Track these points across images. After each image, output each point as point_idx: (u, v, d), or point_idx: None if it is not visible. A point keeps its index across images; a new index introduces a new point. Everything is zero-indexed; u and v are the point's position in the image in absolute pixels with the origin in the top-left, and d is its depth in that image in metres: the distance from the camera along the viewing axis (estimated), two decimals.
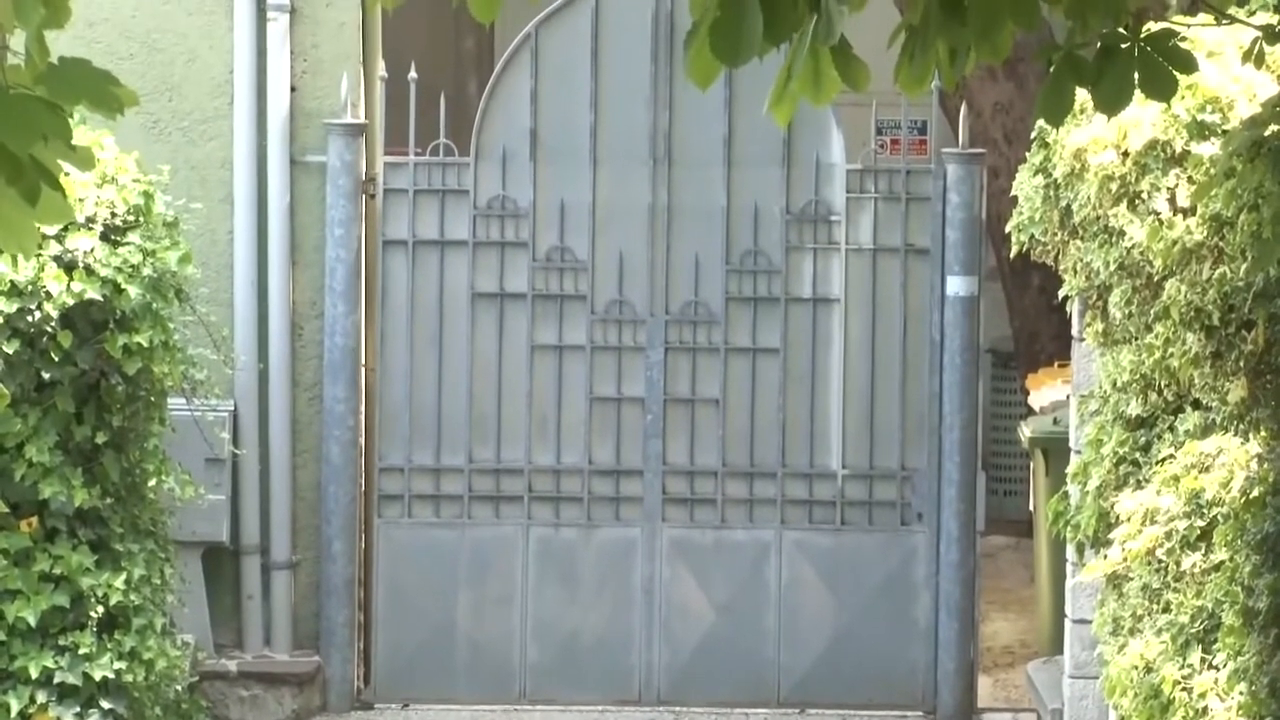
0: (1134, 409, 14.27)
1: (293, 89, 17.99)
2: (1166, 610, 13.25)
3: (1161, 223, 13.15)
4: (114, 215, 15.13)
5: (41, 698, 14.96)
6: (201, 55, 17.60)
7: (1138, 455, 14.22)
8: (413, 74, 18.06)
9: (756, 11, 7.95)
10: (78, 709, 15.19)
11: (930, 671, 18.10)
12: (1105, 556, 14.01)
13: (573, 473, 18.40)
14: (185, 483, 15.90)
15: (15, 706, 14.89)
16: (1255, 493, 12.43)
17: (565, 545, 18.53)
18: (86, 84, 7.40)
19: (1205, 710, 12.40)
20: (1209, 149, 12.85)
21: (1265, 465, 12.62)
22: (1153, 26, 9.22)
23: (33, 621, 14.93)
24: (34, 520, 15.13)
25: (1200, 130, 13.16)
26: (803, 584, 18.43)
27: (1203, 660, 12.68)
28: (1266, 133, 10.83)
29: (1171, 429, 13.90)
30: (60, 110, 7.26)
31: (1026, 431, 17.68)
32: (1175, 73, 9.16)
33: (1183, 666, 12.73)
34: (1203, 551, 12.96)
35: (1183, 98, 12.77)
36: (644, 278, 18.30)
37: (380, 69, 18.28)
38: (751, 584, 18.40)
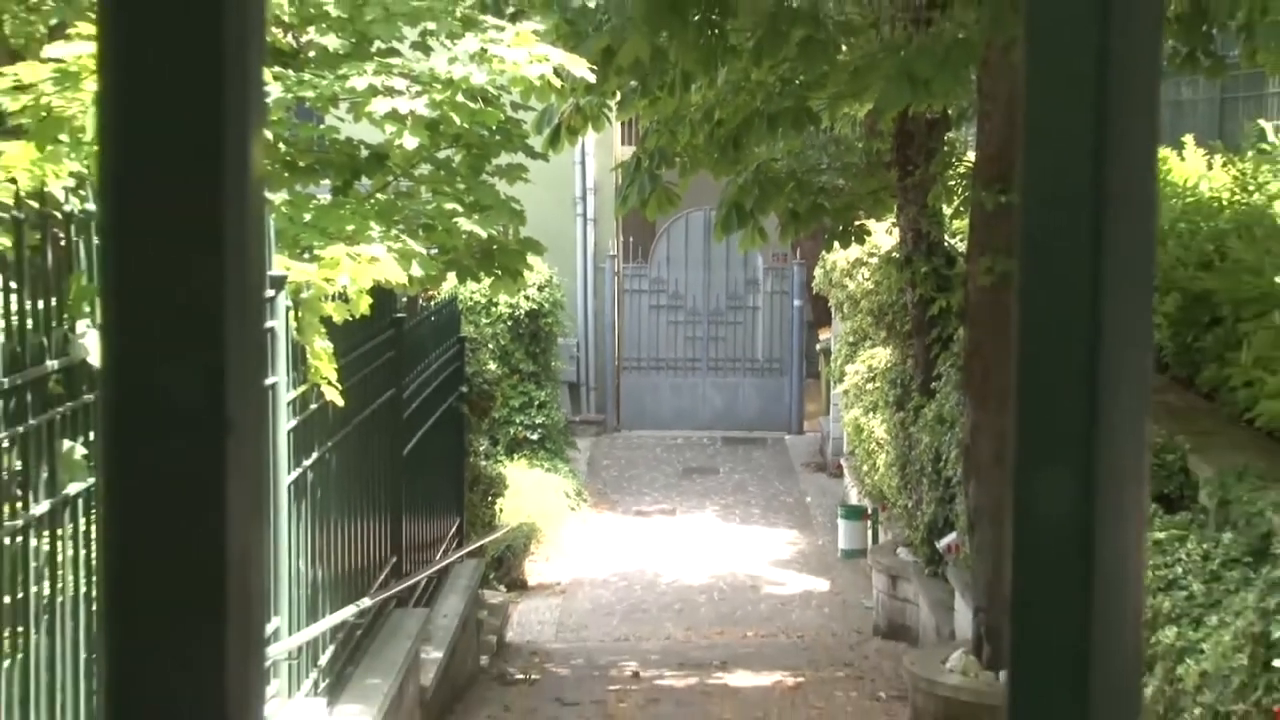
0: (851, 340, 14.41)
1: (595, 243, 18.62)
2: (861, 401, 13.48)
3: (860, 283, 13.15)
4: (541, 282, 15.86)
5: (523, 431, 15.65)
6: (565, 231, 17.45)
7: (851, 354, 14.20)
8: (631, 238, 18.64)
9: (735, 218, 10.39)
10: (530, 435, 15.69)
11: (788, 417, 19.06)
12: (842, 383, 14.30)
13: (679, 359, 19.23)
14: (560, 364, 16.98)
15: (508, 437, 15.23)
16: (888, 365, 12.59)
17: (676, 384, 19.25)
18: (530, 244, 8.07)
19: (874, 434, 12.85)
20: (874, 260, 12.75)
21: (890, 357, 12.54)
22: (857, 222, 11.45)
23: (519, 406, 15.58)
24: (507, 380, 14.92)
25: (870, 254, 12.81)
26: (748, 392, 19.25)
27: (872, 416, 13.00)
28: (892, 255, 11.61)
29: (862, 346, 13.88)
30: (523, 253, 8.00)
31: (819, 346, 17.84)
32: (865, 236, 11.55)
33: (869, 418, 13.06)
34: (874, 382, 13.02)
35: (865, 244, 12.19)
36: (703, 301, 19.07)
37: (620, 234, 18.75)
38: (735, 393, 19.29)
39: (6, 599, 3.61)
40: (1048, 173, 0.44)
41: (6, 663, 3.60)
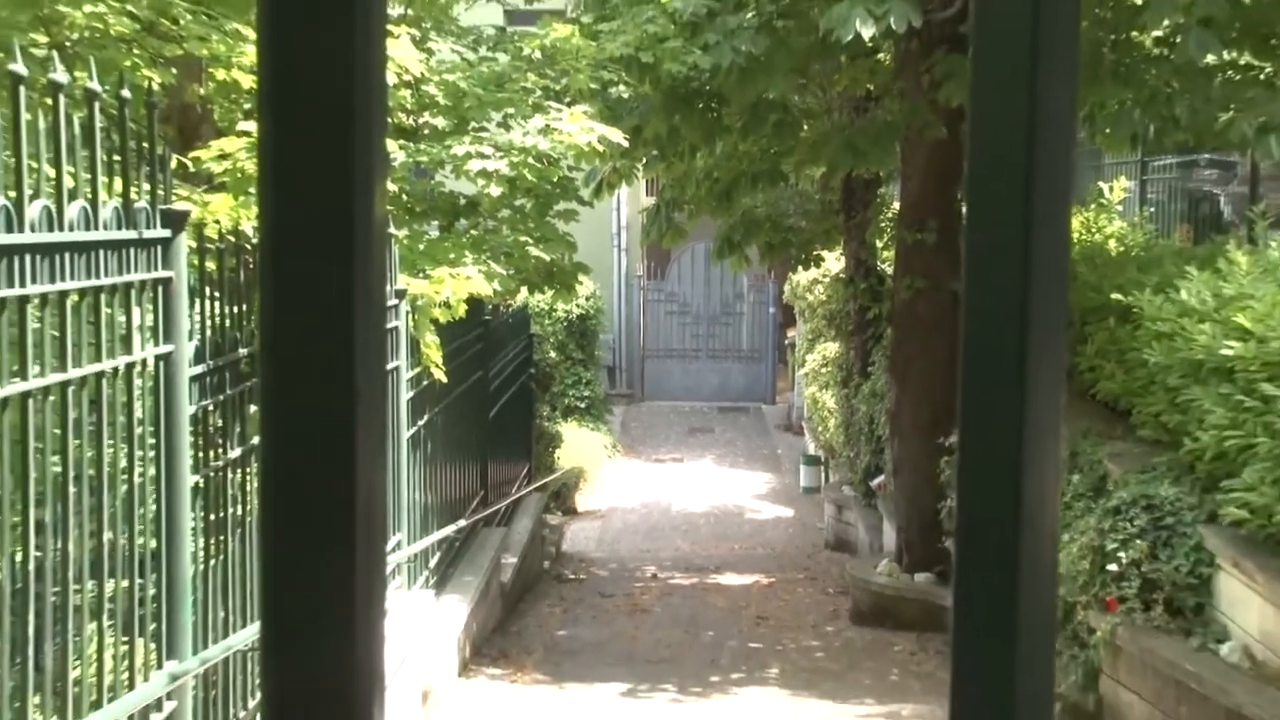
0: (810, 337, 13.64)
1: (626, 266, 18.10)
2: (817, 380, 12.82)
3: (816, 296, 12.82)
4: (588, 294, 14.95)
5: (574, 401, 14.85)
6: (605, 257, 16.89)
7: (810, 347, 13.52)
8: (652, 263, 18.20)
9: (727, 248, 10.27)
10: (579, 404, 14.74)
11: (765, 392, 18.38)
12: (804, 367, 13.73)
13: (687, 349, 18.50)
14: (601, 353, 16.35)
15: (564, 405, 14.26)
16: (836, 355, 11.95)
17: (684, 367, 18.54)
18: (580, 266, 7.93)
19: (826, 404, 12.16)
20: (827, 280, 12.16)
21: (838, 349, 11.86)
22: (815, 251, 11.08)
23: (571, 383, 14.87)
24: (563, 365, 14.61)
25: (824, 275, 12.30)
26: (736, 374, 18.52)
27: (825, 392, 12.33)
28: (840, 276, 11.34)
29: (818, 341, 13.18)
30: (575, 273, 7.88)
31: (787, 341, 17.36)
32: (820, 262, 11.28)
33: (823, 393, 12.45)
34: (826, 367, 12.43)
35: (820, 268, 11.89)
36: (704, 308, 18.41)
37: (644, 260, 18.07)
38: (726, 374, 18.54)
39: (213, 517, 3.68)
40: (986, 199, 0.42)
41: (213, 562, 3.67)
